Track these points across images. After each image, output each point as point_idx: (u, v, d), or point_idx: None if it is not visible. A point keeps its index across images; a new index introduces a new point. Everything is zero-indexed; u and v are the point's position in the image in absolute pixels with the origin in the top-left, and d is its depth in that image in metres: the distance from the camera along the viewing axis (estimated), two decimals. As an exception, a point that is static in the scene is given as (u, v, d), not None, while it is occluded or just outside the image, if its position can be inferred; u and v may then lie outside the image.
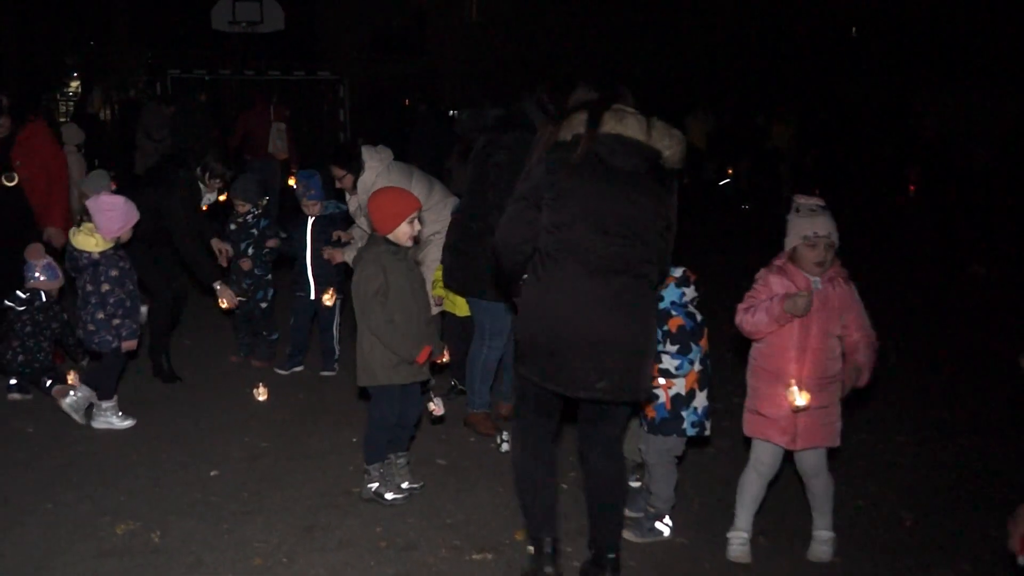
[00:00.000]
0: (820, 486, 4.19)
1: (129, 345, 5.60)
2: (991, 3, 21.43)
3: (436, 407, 4.78)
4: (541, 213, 3.57)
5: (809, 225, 3.95)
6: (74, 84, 22.91)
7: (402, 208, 4.36)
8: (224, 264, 6.54)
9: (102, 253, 5.46)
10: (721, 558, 4.17)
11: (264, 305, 6.73)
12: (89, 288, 5.47)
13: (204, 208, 6.51)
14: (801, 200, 4.05)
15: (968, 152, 11.55)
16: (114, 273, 5.47)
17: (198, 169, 6.32)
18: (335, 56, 23.18)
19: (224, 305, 6.23)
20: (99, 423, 5.53)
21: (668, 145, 3.62)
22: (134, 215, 5.54)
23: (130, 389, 5.94)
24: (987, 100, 19.91)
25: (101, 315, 5.47)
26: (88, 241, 5.45)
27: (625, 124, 3.58)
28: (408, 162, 12.97)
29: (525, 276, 3.69)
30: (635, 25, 23.70)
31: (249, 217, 6.63)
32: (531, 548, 3.87)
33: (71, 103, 21.59)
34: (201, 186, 6.36)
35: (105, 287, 5.45)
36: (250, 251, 6.62)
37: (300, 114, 14.05)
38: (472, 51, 24.47)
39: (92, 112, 20.08)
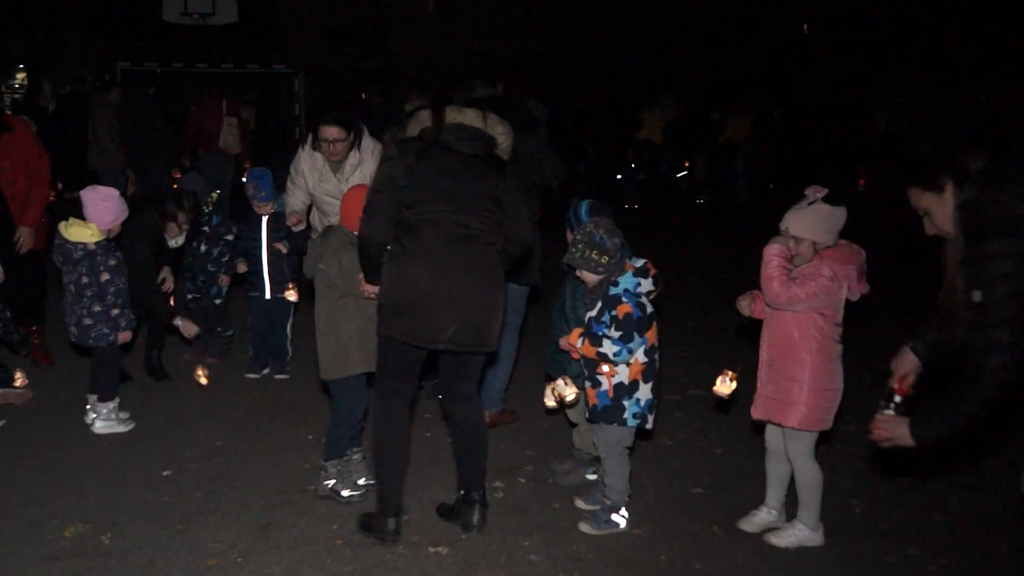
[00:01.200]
0: (797, 474, 4.22)
1: (125, 336, 5.55)
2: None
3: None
4: (397, 198, 4.03)
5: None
6: (20, 76, 22.48)
7: None
8: (169, 288, 6.36)
9: (98, 244, 5.39)
10: (677, 549, 4.20)
11: (218, 301, 6.67)
12: (85, 280, 5.39)
13: (172, 247, 6.37)
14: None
15: (917, 147, 11.68)
16: (112, 262, 5.43)
17: (162, 215, 6.14)
18: (291, 49, 22.98)
19: (188, 335, 6.09)
20: (101, 427, 5.44)
21: (501, 132, 4.26)
22: (125, 210, 5.51)
23: (81, 390, 5.85)
24: (936, 95, 20.24)
25: (99, 307, 5.40)
26: (83, 232, 5.37)
27: (465, 115, 4.19)
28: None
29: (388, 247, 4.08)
30: (594, 19, 23.76)
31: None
32: (379, 507, 4.20)
33: (17, 95, 21.19)
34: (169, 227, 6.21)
35: (105, 276, 5.39)
36: (202, 248, 6.56)
37: (253, 108, 13.86)
38: (432, 45, 24.37)
39: (44, 104, 19.73)
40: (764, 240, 4.12)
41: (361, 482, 4.65)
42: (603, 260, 4.13)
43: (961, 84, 20.30)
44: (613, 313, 4.12)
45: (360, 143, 5.93)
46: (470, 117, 4.19)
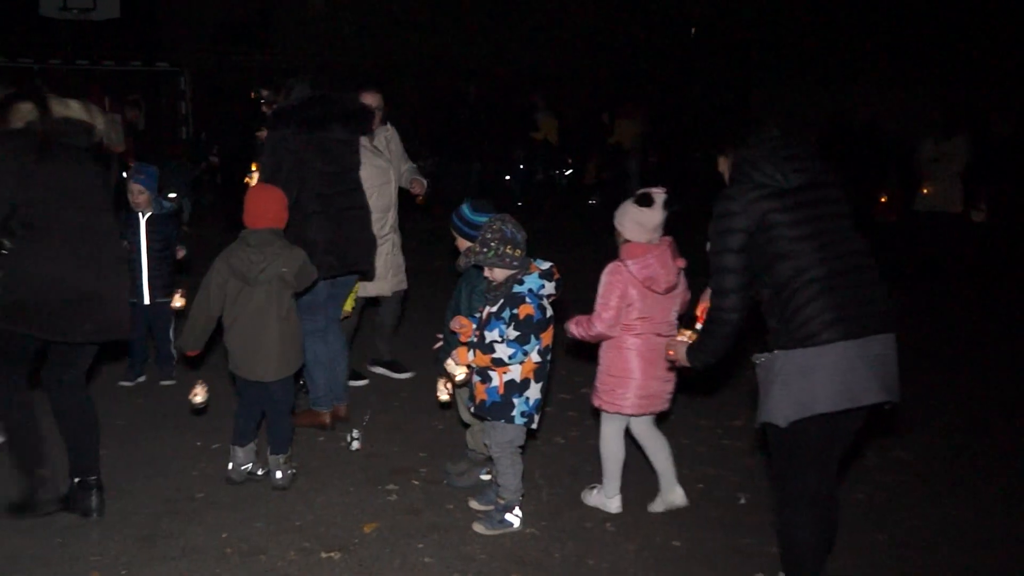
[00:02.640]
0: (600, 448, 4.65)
1: None
2: (821, 3, 22.51)
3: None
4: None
5: None
6: None
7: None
8: None
9: None
10: (571, 547, 4.24)
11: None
12: None
13: None
14: None
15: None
16: None
17: None
18: (176, 47, 22.43)
19: None
20: None
21: (101, 122, 4.35)
22: None
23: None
24: (817, 98, 20.93)
25: None
26: None
27: (70, 108, 4.20)
28: (254, 153, 12.70)
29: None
30: (485, 21, 23.80)
31: None
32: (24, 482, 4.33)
33: None
34: None
35: None
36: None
37: (140, 109, 13.47)
38: (320, 44, 24.07)
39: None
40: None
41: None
42: (516, 253, 4.12)
43: (832, 87, 21.06)
44: (514, 312, 4.12)
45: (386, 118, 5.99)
46: (75, 109, 4.23)
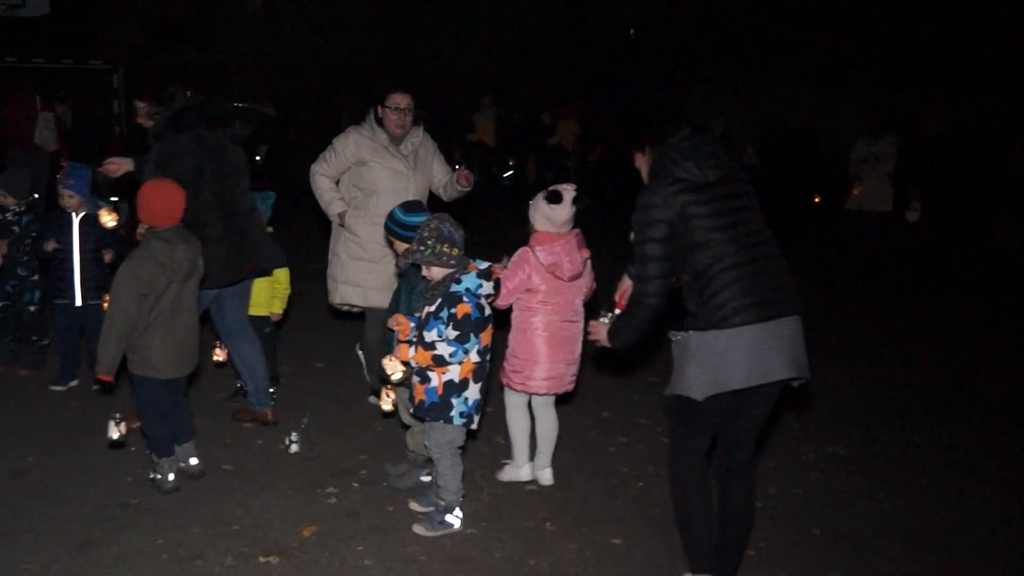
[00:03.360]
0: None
1: None
2: (757, 5, 22.87)
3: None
4: None
5: None
6: None
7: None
8: None
9: None
10: (512, 547, 4.25)
11: (32, 308, 6.32)
12: None
13: None
14: None
15: (741, 151, 12.33)
16: None
17: None
18: (109, 44, 22.01)
19: None
20: None
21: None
22: None
23: None
24: (753, 99, 21.25)
25: None
26: None
27: None
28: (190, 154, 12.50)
29: None
30: (426, 21, 23.73)
31: (9, 214, 6.20)
32: None
33: None
34: None
35: None
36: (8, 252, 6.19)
37: (68, 106, 13.20)
38: (259, 43, 23.81)
39: None
40: (591, 239, 4.68)
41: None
42: (454, 252, 4.12)
43: (770, 90, 21.42)
44: (452, 311, 4.12)
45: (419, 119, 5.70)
46: None
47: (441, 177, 5.77)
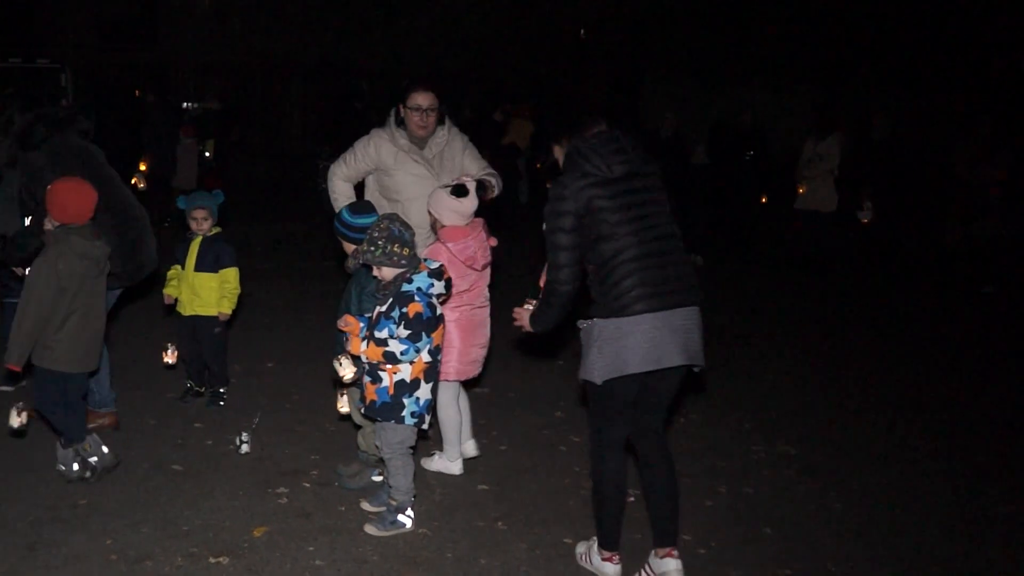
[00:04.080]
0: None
1: None
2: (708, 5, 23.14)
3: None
4: None
5: None
6: None
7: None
8: None
9: None
10: (464, 546, 4.27)
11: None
12: None
13: None
14: None
15: (689, 149, 12.47)
16: None
17: None
18: (57, 43, 21.69)
19: None
20: None
21: None
22: None
23: None
24: (704, 100, 21.50)
25: None
26: None
27: None
28: (141, 152, 12.39)
29: None
30: (376, 19, 23.69)
31: None
32: None
33: None
34: None
35: None
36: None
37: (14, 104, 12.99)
38: (207, 42, 23.60)
39: None
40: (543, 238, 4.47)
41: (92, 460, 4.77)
42: (404, 252, 4.13)
43: (724, 90, 21.66)
44: (404, 310, 4.13)
45: (445, 118, 5.25)
46: None
47: (476, 174, 5.21)
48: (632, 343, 3.69)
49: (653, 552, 4.00)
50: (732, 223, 12.33)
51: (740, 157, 11.87)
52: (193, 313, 5.83)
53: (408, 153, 5.11)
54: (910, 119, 17.80)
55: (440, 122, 5.18)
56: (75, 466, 4.74)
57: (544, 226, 3.85)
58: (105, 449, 4.83)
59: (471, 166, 5.26)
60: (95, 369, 4.89)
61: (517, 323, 4.14)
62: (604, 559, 4.03)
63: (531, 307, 4.08)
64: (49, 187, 4.65)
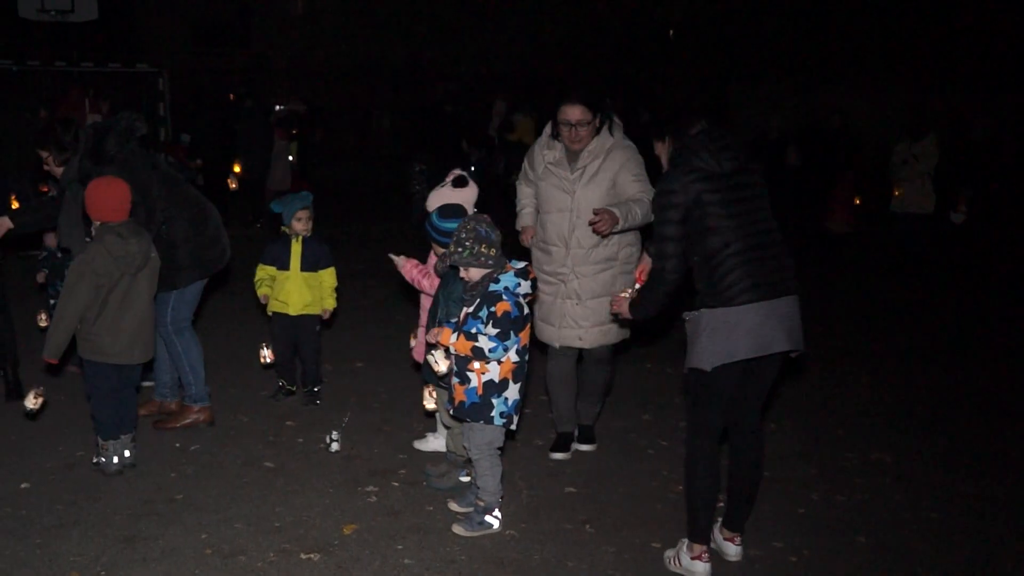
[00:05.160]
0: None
1: None
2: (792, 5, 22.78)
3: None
4: None
5: None
6: None
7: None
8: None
9: None
10: (551, 549, 4.26)
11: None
12: None
13: None
14: None
15: (784, 149, 12.25)
16: None
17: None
18: (155, 48, 22.33)
19: None
20: None
21: None
22: None
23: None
24: (794, 100, 21.12)
25: None
26: None
27: None
28: (235, 157, 12.67)
29: None
30: (464, 22, 23.85)
31: None
32: None
33: None
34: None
35: None
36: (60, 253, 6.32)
37: (118, 108, 13.40)
38: (299, 46, 24.07)
39: None
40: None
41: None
42: (491, 252, 4.15)
43: (813, 90, 21.26)
44: (492, 309, 4.14)
45: (611, 127, 5.02)
46: None
47: (632, 195, 4.90)
48: (741, 331, 3.83)
49: (719, 528, 4.21)
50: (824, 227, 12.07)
51: (830, 160, 11.63)
52: (298, 313, 5.91)
53: (553, 167, 5.01)
54: (1011, 120, 17.21)
55: (598, 133, 4.97)
56: (115, 459, 4.88)
57: (652, 217, 4.04)
58: (128, 453, 4.93)
59: (627, 186, 4.93)
60: (145, 361, 5.00)
61: (615, 310, 4.23)
62: (694, 557, 4.05)
63: (627, 295, 4.17)
64: (86, 191, 4.84)
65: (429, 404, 4.62)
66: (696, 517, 4.06)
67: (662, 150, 4.19)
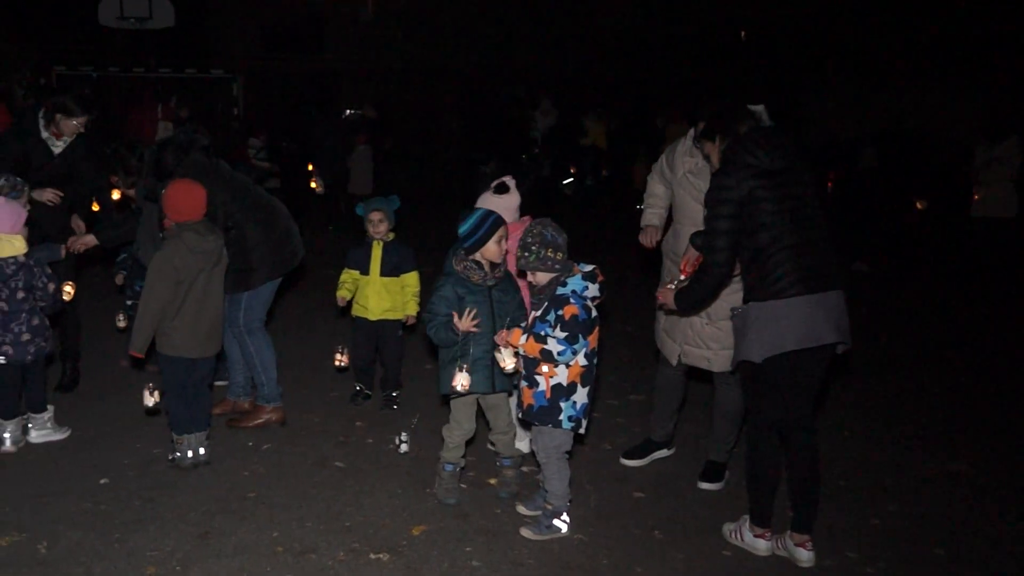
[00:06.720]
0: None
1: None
2: (866, 7, 22.37)
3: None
4: None
5: None
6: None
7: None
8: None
9: (27, 254, 5.16)
10: (619, 554, 4.24)
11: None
12: (21, 295, 5.09)
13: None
14: None
15: (856, 152, 12.02)
16: (48, 270, 5.27)
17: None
18: (228, 53, 22.75)
19: None
20: (37, 437, 5.32)
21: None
22: (21, 213, 5.20)
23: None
24: (869, 102, 20.76)
25: (37, 320, 5.20)
26: (10, 247, 5.04)
27: None
28: (308, 161, 12.82)
29: None
30: (532, 24, 23.87)
31: None
32: None
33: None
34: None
35: (51, 286, 5.20)
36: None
37: (195, 115, 13.69)
38: (370, 50, 24.30)
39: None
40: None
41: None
42: (558, 256, 4.15)
43: (886, 91, 20.89)
44: (559, 313, 4.13)
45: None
46: None
47: None
48: (790, 323, 3.94)
49: (790, 533, 4.21)
50: (899, 230, 11.86)
51: (906, 163, 11.42)
52: (377, 318, 5.95)
53: (693, 176, 4.84)
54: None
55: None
56: (188, 453, 5.00)
57: (704, 212, 4.14)
58: (202, 451, 5.05)
59: None
60: (215, 354, 5.13)
61: (661, 302, 4.42)
62: (756, 535, 4.24)
63: (673, 287, 4.31)
64: (164, 194, 4.97)
65: (508, 364, 4.39)
66: (758, 501, 4.22)
67: (711, 149, 4.36)
